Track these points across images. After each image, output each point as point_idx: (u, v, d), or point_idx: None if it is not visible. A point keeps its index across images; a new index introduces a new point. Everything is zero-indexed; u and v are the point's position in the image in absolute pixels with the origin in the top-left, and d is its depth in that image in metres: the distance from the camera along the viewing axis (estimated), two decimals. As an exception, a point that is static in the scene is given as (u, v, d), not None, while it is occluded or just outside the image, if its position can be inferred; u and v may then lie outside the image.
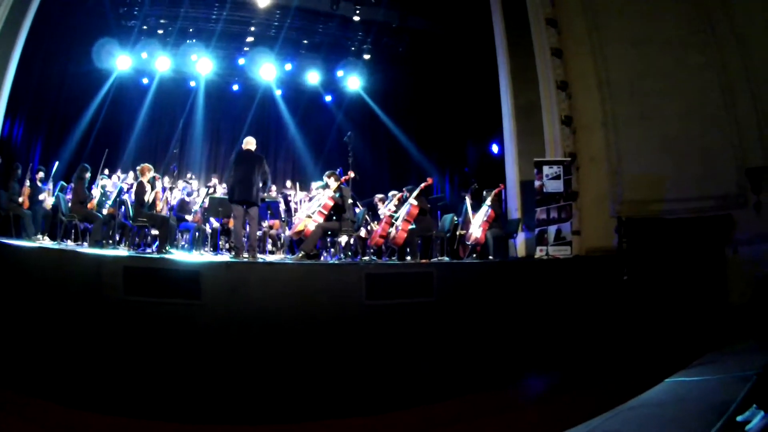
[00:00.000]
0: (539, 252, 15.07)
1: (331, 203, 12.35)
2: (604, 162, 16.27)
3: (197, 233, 15.14)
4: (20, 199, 14.51)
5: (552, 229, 15.27)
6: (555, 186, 15.43)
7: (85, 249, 11.72)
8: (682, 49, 15.78)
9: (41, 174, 15.60)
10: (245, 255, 11.28)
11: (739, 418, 6.57)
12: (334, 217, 12.42)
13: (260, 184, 11.59)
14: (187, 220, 15.19)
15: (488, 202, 14.59)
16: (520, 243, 16.70)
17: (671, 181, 15.63)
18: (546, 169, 15.47)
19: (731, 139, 15.29)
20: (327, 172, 12.84)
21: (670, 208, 15.54)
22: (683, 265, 14.50)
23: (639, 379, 9.50)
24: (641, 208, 15.73)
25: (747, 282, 14.92)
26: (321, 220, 12.32)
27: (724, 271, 14.86)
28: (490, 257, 14.29)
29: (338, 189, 12.38)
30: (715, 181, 15.34)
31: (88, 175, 14.10)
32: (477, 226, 14.31)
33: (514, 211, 16.99)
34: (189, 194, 16.57)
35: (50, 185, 15.60)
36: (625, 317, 12.33)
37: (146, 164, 13.42)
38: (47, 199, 15.20)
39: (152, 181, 13.45)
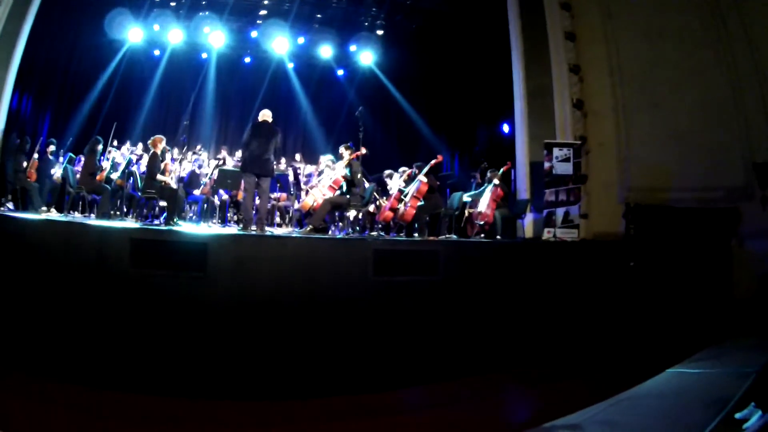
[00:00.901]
0: (547, 233, 15.13)
1: (342, 179, 12.41)
2: (614, 148, 16.38)
3: (206, 205, 15.16)
4: (27, 172, 14.49)
5: (560, 212, 15.33)
6: (564, 168, 15.46)
7: (93, 221, 11.74)
8: (693, 43, 15.84)
9: (52, 147, 15.59)
10: (253, 228, 11.30)
11: (737, 415, 6.63)
12: (343, 192, 12.45)
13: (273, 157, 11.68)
14: (195, 193, 15.20)
15: (495, 181, 14.57)
16: (527, 224, 16.75)
17: (679, 171, 15.70)
18: (556, 151, 15.51)
19: (739, 133, 15.35)
20: (344, 145, 12.91)
21: (678, 197, 15.61)
22: (689, 254, 14.55)
23: (640, 368, 9.57)
24: (649, 195, 15.78)
25: (752, 277, 14.97)
26: (330, 194, 12.37)
27: (730, 264, 14.91)
28: (498, 237, 14.28)
29: (349, 164, 12.40)
30: (722, 174, 15.41)
31: (100, 147, 14.19)
32: (485, 205, 14.31)
33: (523, 191, 17.01)
34: (200, 166, 16.56)
35: (60, 159, 15.62)
36: (630, 304, 12.37)
37: (159, 136, 13.42)
38: (58, 172, 15.20)
39: (163, 153, 13.46)
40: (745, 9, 15.01)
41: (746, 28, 15.20)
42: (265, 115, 11.92)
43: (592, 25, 16.95)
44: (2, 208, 13.72)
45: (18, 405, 7.26)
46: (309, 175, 16.59)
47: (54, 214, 13.63)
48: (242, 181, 12.10)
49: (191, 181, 15.36)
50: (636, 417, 7.34)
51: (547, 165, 15.53)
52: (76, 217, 13.69)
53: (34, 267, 8.90)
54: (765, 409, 6.01)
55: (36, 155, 14.90)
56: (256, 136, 11.54)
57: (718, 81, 15.62)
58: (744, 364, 9.07)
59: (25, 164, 14.81)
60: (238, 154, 17.73)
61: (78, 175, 14.04)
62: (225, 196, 15.24)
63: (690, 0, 15.71)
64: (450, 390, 9.18)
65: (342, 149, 12.84)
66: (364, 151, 12.57)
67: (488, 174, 14.97)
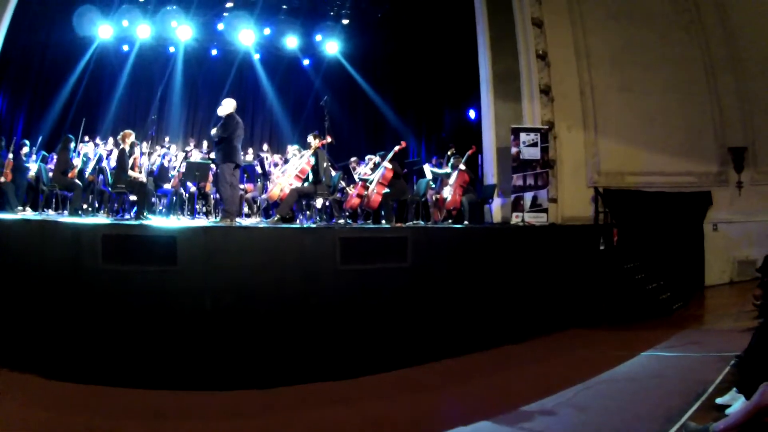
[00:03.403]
0: (515, 218, 15.32)
1: (308, 168, 12.43)
2: (581, 131, 16.55)
3: (174, 198, 15.20)
4: (3, 172, 14.45)
5: (528, 196, 15.51)
6: (532, 153, 15.64)
7: (65, 218, 11.77)
8: (666, 25, 16.07)
9: (25, 149, 15.48)
10: (227, 219, 11.27)
11: (718, 401, 6.64)
12: (310, 181, 12.50)
13: None
14: (165, 186, 15.22)
15: (461, 166, 14.64)
16: (495, 208, 16.87)
17: (650, 154, 15.95)
18: (523, 136, 15.68)
19: (713, 116, 15.62)
20: (312, 134, 12.89)
21: (649, 181, 15.85)
22: (661, 239, 14.76)
23: (612, 351, 9.73)
24: (619, 179, 16.02)
25: (725, 261, 15.21)
26: (297, 183, 12.42)
27: (702, 249, 15.12)
28: (466, 222, 14.37)
29: (314, 153, 12.46)
30: (695, 158, 15.66)
31: (72, 145, 14.23)
32: (451, 190, 14.40)
33: (491, 176, 17.09)
34: (170, 160, 16.52)
35: (33, 157, 15.59)
36: (599, 287, 12.51)
37: (127, 131, 13.48)
38: (32, 171, 15.14)
39: (132, 148, 13.49)
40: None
41: (719, 10, 15.42)
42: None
43: (559, 9, 17.09)
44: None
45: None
46: (275, 165, 16.61)
47: (29, 213, 13.73)
48: (220, 173, 11.63)
49: (161, 174, 15.37)
50: (611, 401, 7.42)
51: (514, 150, 15.72)
52: (50, 214, 13.68)
53: (11, 266, 8.95)
54: (747, 395, 5.87)
55: (11, 155, 14.82)
56: (238, 126, 11.44)
57: (691, 63, 15.87)
58: (721, 348, 9.23)
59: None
60: (206, 145, 17.75)
61: (51, 173, 14.09)
62: (193, 188, 15.24)
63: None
64: (423, 373, 9.30)
65: (310, 138, 12.80)
66: (329, 139, 12.57)
67: (452, 159, 15.05)
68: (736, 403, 6.22)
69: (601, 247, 13.39)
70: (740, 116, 16.02)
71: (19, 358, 8.50)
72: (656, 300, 13.15)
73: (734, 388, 6.51)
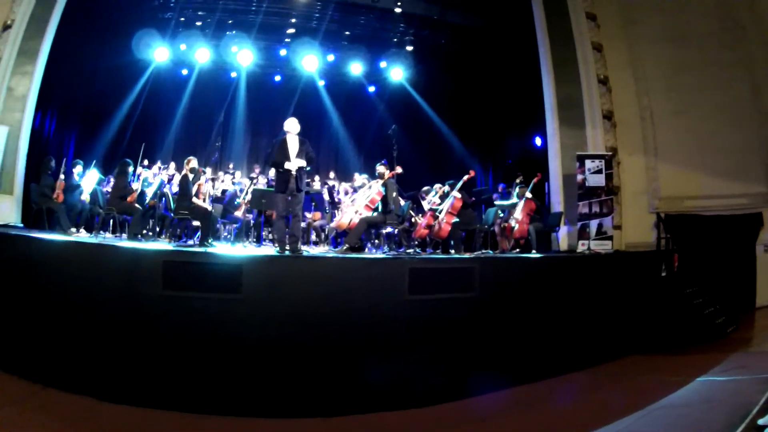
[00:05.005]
0: (581, 246, 15.23)
1: (378, 198, 12.43)
2: (642, 157, 16.53)
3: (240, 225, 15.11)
4: (55, 193, 14.41)
5: (593, 224, 15.41)
6: (597, 180, 15.54)
7: (124, 242, 11.68)
8: (714, 45, 15.96)
9: (79, 168, 15.41)
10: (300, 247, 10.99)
11: (760, 422, 6.65)
12: (380, 211, 12.44)
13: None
14: (233, 213, 15.09)
15: (527, 194, 14.61)
16: (562, 237, 16.78)
17: (706, 177, 15.86)
18: (588, 163, 15.58)
19: (759, 135, 15.28)
20: (380, 163, 12.89)
21: (706, 205, 15.73)
22: (716, 262, 14.58)
23: (669, 377, 9.63)
24: (678, 204, 15.92)
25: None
26: (367, 213, 12.39)
27: (754, 270, 14.88)
28: (533, 251, 14.29)
29: (384, 183, 12.40)
30: (747, 179, 15.47)
31: (130, 169, 14.09)
32: (518, 219, 14.26)
33: (557, 204, 17.03)
34: (241, 190, 16.35)
35: (86, 177, 15.52)
36: (659, 313, 12.40)
37: (190, 156, 13.40)
38: (86, 193, 15.06)
39: (195, 173, 13.39)
40: (758, 10, 15.03)
41: (761, 29, 15.19)
42: None
43: (616, 33, 17.13)
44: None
45: (52, 419, 7.51)
46: (345, 193, 16.49)
47: (84, 235, 13.67)
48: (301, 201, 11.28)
49: (230, 201, 15.21)
50: (665, 427, 7.48)
51: (579, 177, 15.64)
52: (107, 237, 13.64)
53: (64, 287, 9.03)
54: None
55: (62, 176, 14.78)
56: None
57: (739, 83, 15.65)
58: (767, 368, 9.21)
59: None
60: (271, 173, 17.62)
61: (108, 196, 14.06)
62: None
63: (705, 2, 15.72)
64: (489, 403, 9.17)
65: (381, 168, 12.80)
66: (399, 170, 12.47)
67: (518, 189, 15.03)
68: (775, 422, 6.20)
69: (663, 273, 13.21)
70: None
71: (73, 380, 8.55)
72: (712, 324, 12.96)
73: None
